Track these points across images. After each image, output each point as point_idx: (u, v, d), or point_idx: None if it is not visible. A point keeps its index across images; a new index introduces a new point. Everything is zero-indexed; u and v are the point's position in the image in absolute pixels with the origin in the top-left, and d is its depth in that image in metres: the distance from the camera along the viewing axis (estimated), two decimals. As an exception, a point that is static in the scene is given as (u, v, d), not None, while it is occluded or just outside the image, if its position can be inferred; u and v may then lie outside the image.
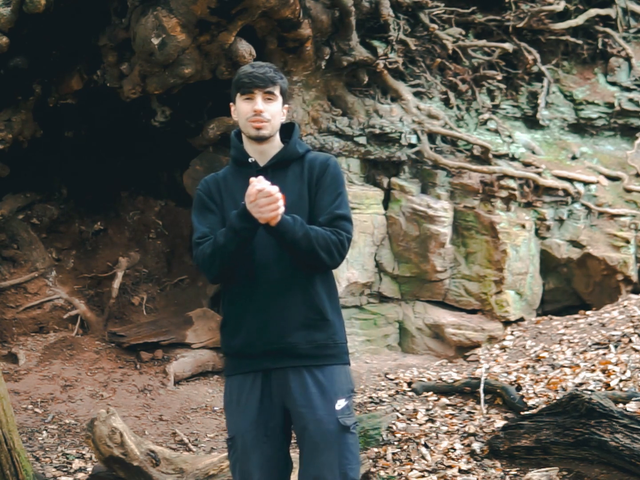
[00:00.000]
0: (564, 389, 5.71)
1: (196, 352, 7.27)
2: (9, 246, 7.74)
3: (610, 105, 8.75)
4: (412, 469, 4.90)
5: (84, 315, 7.76)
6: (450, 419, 5.71)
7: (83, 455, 5.32)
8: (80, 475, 4.96)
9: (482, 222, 7.73)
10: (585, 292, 8.10)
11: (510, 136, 8.31)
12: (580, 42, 8.86)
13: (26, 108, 6.93)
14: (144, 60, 6.38)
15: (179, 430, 5.92)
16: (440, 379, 6.57)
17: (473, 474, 4.77)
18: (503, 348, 7.22)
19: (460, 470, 4.83)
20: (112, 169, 8.29)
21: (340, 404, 2.90)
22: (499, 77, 8.45)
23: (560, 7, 8.63)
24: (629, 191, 8.34)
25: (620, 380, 5.56)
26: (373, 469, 4.89)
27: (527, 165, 8.09)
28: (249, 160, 2.99)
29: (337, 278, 6.96)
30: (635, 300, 7.38)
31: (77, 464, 5.16)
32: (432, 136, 7.92)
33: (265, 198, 2.70)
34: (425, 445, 5.22)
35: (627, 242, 8.00)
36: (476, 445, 5.10)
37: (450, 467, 4.90)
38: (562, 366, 6.20)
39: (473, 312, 7.78)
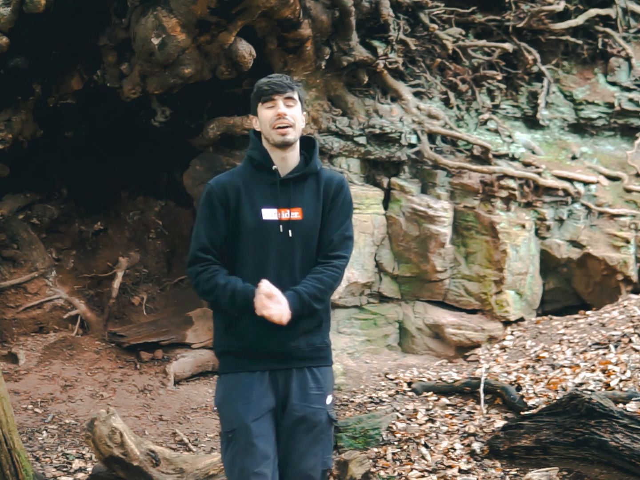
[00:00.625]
0: (564, 389, 5.71)
1: (196, 352, 7.27)
2: (9, 246, 7.74)
3: (610, 105, 8.75)
4: (412, 469, 4.91)
5: (84, 315, 7.76)
6: (450, 419, 5.71)
7: (83, 455, 5.32)
8: (80, 475, 4.96)
9: (482, 222, 7.73)
10: (585, 292, 8.10)
11: (510, 136, 8.30)
12: (580, 42, 8.85)
13: (26, 108, 6.92)
14: (144, 60, 6.38)
15: (179, 430, 5.91)
16: (440, 379, 6.57)
17: (473, 474, 4.78)
18: (503, 348, 7.22)
19: (460, 470, 4.84)
20: (112, 169, 8.29)
21: (329, 399, 3.19)
22: (499, 77, 8.45)
23: (560, 7, 8.62)
24: (629, 191, 8.34)
25: (620, 380, 5.56)
26: (373, 469, 4.89)
27: (527, 165, 8.09)
28: (273, 167, 3.11)
29: (337, 278, 6.93)
30: (635, 300, 7.37)
31: (77, 464, 5.16)
32: (432, 136, 7.91)
33: (276, 305, 2.96)
34: (425, 445, 5.22)
35: (627, 242, 8.00)
36: (476, 445, 5.11)
37: (450, 467, 4.91)
38: (562, 366, 6.20)
39: (473, 312, 7.78)
